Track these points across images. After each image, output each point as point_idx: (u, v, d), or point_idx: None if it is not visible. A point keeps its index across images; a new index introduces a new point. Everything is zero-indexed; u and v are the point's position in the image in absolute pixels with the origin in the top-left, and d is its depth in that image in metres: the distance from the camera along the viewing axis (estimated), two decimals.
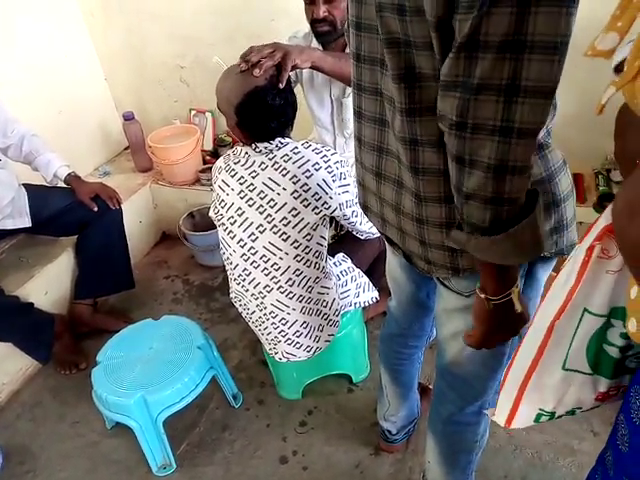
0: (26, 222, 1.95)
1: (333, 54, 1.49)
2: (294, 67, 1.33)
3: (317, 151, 1.34)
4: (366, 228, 1.52)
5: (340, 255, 1.64)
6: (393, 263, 1.19)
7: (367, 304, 1.67)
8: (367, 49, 0.82)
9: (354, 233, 1.58)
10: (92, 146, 2.70)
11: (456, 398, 1.13)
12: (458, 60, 0.62)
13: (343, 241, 1.74)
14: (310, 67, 1.42)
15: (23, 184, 1.97)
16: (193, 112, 2.67)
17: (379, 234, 1.60)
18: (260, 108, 1.26)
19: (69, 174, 1.99)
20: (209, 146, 2.66)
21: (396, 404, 1.48)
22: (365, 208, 1.05)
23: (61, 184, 2.02)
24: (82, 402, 1.84)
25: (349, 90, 1.75)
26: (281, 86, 1.28)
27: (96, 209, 1.96)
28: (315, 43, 1.73)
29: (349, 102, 1.78)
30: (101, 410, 1.61)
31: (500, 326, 0.83)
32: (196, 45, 2.48)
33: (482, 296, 0.79)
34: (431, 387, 1.70)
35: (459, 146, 0.66)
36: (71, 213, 1.97)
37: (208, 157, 2.62)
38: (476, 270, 0.80)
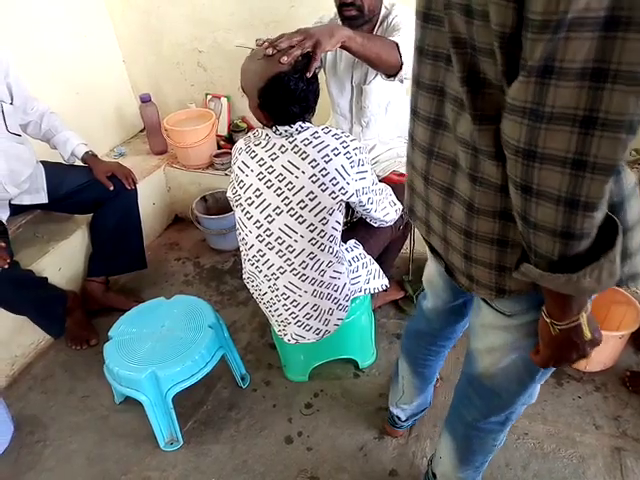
0: (43, 198, 1.97)
1: (363, 34, 1.47)
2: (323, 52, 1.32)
3: (337, 136, 1.36)
4: (380, 215, 1.54)
5: (352, 241, 1.65)
6: (432, 269, 1.15)
7: (377, 291, 1.69)
8: (432, 43, 0.77)
9: (367, 220, 1.60)
10: (108, 127, 2.72)
11: (482, 406, 1.09)
12: (528, 85, 0.57)
13: (355, 228, 1.75)
14: (340, 47, 1.40)
15: (41, 161, 2.00)
16: (209, 97, 2.68)
17: (392, 222, 1.62)
18: (283, 93, 1.28)
19: (86, 152, 2.01)
20: (224, 131, 2.68)
21: (411, 395, 1.48)
22: (411, 212, 1.00)
23: (78, 162, 2.04)
24: (92, 377, 1.88)
25: (371, 77, 1.76)
26: (309, 75, 1.29)
27: (112, 188, 1.98)
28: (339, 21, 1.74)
29: (369, 89, 1.79)
30: (112, 384, 1.64)
31: (567, 349, 0.78)
32: (214, 30, 2.49)
33: (547, 320, 0.75)
34: (439, 378, 1.70)
35: (525, 175, 0.61)
36: (87, 191, 1.99)
37: (222, 142, 2.63)
38: (524, 293, 0.76)
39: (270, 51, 1.25)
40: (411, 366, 1.42)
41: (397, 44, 1.49)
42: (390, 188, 1.59)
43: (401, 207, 1.62)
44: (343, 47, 1.41)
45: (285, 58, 1.24)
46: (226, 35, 2.49)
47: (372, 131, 1.91)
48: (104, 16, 2.59)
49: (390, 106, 1.85)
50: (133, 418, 1.73)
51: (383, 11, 1.71)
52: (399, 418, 1.56)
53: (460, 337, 1.35)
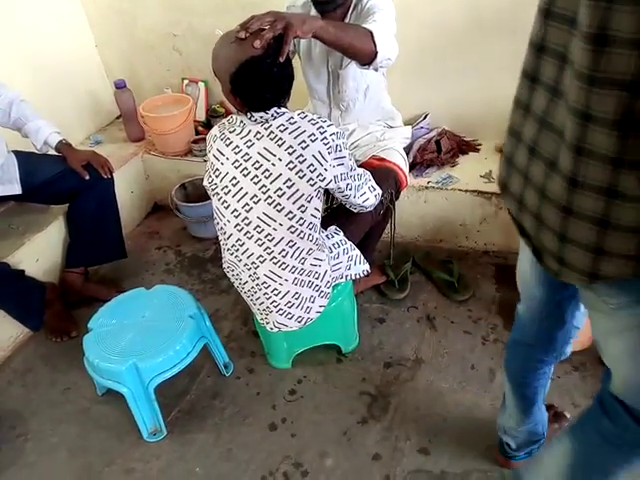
0: (16, 189, 1.93)
1: (336, 23, 1.44)
2: (295, 37, 1.29)
3: (313, 122, 1.34)
4: (359, 201, 1.53)
5: (332, 228, 1.65)
6: (524, 261, 1.07)
7: (358, 277, 1.69)
8: (561, 4, 0.74)
9: (347, 206, 1.59)
10: (83, 114, 2.67)
11: (631, 422, 0.91)
12: None
13: (336, 214, 1.74)
14: (312, 37, 1.37)
15: (13, 151, 1.95)
16: (186, 81, 2.64)
17: (372, 207, 1.61)
18: (255, 78, 1.25)
19: (60, 141, 1.96)
20: (202, 117, 2.64)
21: (517, 418, 1.34)
22: (503, 187, 0.95)
23: (52, 151, 1.99)
24: (73, 369, 1.85)
25: (346, 62, 1.73)
26: (281, 59, 1.25)
27: (88, 177, 1.94)
28: (314, 12, 1.71)
29: (346, 74, 1.77)
30: (92, 376, 1.62)
31: None
32: (189, 13, 2.44)
33: None
34: (567, 415, 1.54)
35: None
36: (62, 181, 1.95)
37: (200, 128, 2.60)
38: (626, 277, 0.71)
39: (242, 34, 1.22)
40: (511, 383, 1.31)
41: (371, 32, 1.46)
42: (369, 173, 1.58)
43: (381, 192, 1.61)
44: (315, 37, 1.37)
45: (258, 42, 1.21)
46: (201, 19, 2.44)
47: (351, 115, 1.89)
48: None
49: (369, 91, 1.84)
50: (115, 409, 1.72)
51: None
52: (509, 446, 1.42)
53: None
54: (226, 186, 1.41)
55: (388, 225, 1.97)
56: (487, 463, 1.51)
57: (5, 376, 1.89)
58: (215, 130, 1.45)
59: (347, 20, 1.69)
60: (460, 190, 2.14)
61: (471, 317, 1.98)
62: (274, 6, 2.16)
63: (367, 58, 1.49)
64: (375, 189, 1.58)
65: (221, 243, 1.55)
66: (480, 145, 2.36)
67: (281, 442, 1.61)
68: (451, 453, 1.54)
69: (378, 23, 1.51)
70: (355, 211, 1.61)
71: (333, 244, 1.59)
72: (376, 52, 1.46)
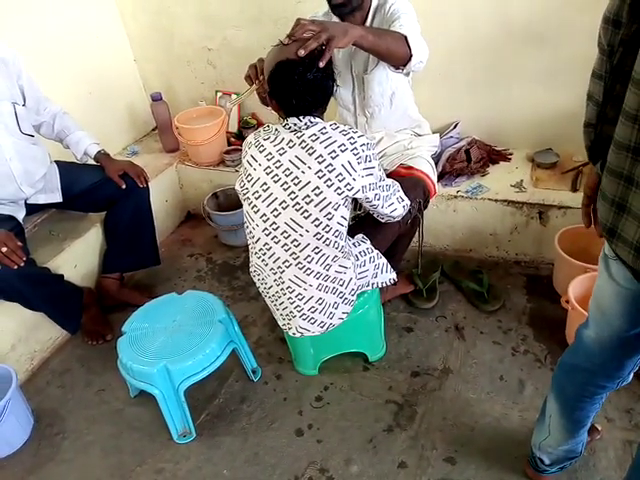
0: (57, 197, 2.02)
1: (373, 30, 1.50)
2: (337, 47, 1.35)
3: (344, 132, 1.37)
4: (387, 212, 1.54)
5: (360, 236, 1.66)
6: (608, 292, 1.02)
7: (384, 285, 1.70)
8: None
9: (375, 216, 1.60)
10: (121, 126, 2.77)
11: None
12: None
13: (363, 223, 1.76)
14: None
15: (55, 161, 2.05)
16: (219, 94, 2.70)
17: (400, 217, 1.61)
18: (287, 80, 1.31)
19: (99, 152, 2.05)
20: (234, 128, 2.70)
21: (559, 438, 1.30)
22: (611, 232, 0.89)
23: (91, 161, 2.08)
24: (108, 371, 1.92)
25: (371, 66, 1.77)
26: (321, 65, 1.31)
27: (124, 186, 2.02)
28: (335, 19, 1.75)
29: (371, 79, 1.80)
30: (125, 378, 1.67)
31: None
32: (223, 27, 2.52)
33: None
34: (599, 428, 1.53)
35: None
36: (100, 190, 2.03)
37: (233, 139, 2.66)
38: None
39: (286, 40, 1.30)
40: (561, 405, 1.26)
41: (406, 37, 1.51)
42: (398, 184, 1.59)
43: (409, 203, 1.62)
44: (355, 44, 1.43)
45: (302, 51, 1.27)
46: (235, 32, 2.51)
47: (378, 122, 1.91)
48: (115, 17, 2.64)
49: (395, 98, 1.85)
50: (147, 411, 1.77)
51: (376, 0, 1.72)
52: (542, 461, 1.38)
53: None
54: (257, 191, 1.44)
55: (416, 234, 1.97)
56: (515, 475, 1.48)
57: (44, 376, 1.97)
58: (251, 137, 1.50)
59: (368, 23, 1.73)
60: (490, 200, 2.13)
61: (501, 328, 1.95)
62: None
63: (402, 61, 1.54)
64: (404, 200, 1.59)
65: (249, 247, 1.59)
66: (511, 155, 2.34)
67: (307, 447, 1.62)
68: (478, 463, 1.52)
69: (406, 27, 1.56)
70: (383, 221, 1.62)
71: (360, 252, 1.61)
72: (411, 55, 1.52)
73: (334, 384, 1.81)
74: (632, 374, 1.16)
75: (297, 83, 1.30)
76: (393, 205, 1.55)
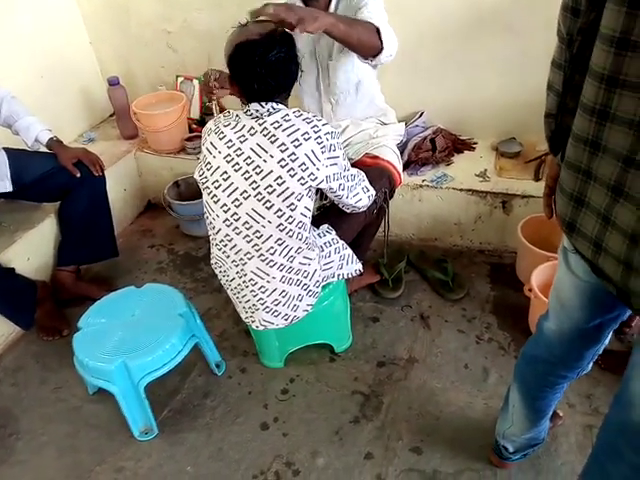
0: (7, 186, 1.91)
1: (345, 19, 1.45)
2: (306, 32, 1.30)
3: (308, 120, 1.33)
4: (352, 202, 1.52)
5: (325, 226, 1.64)
6: (567, 285, 1.02)
7: (350, 276, 1.68)
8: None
9: (340, 206, 1.58)
10: (76, 112, 2.65)
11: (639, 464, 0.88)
12: None
13: (328, 213, 1.73)
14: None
15: (3, 148, 1.93)
16: (180, 79, 2.62)
17: (365, 208, 1.59)
18: (248, 62, 1.26)
19: (51, 138, 1.95)
20: (196, 114, 2.63)
21: (522, 427, 1.32)
22: (570, 227, 0.88)
23: (43, 149, 1.98)
24: (64, 368, 1.84)
25: (336, 53, 1.74)
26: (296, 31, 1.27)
27: (79, 175, 1.93)
28: (299, 2, 1.71)
29: (337, 66, 1.78)
30: (82, 375, 1.61)
31: None
32: (184, 9, 2.43)
33: None
34: (561, 414, 1.56)
35: None
36: (53, 178, 1.94)
37: (194, 125, 2.58)
38: None
39: (244, 20, 1.26)
40: (523, 396, 1.27)
41: (378, 29, 1.48)
42: (363, 173, 1.57)
43: (374, 193, 1.60)
44: (326, 32, 1.39)
45: (270, 10, 1.24)
46: (196, 16, 2.42)
47: (343, 110, 1.88)
48: None
49: (361, 85, 1.83)
50: (106, 408, 1.70)
51: None
52: (506, 449, 1.40)
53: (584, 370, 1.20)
54: (217, 180, 1.39)
55: (382, 224, 1.96)
56: (480, 462, 1.50)
57: None
58: (211, 124, 1.44)
59: (332, 8, 1.69)
60: (455, 189, 2.13)
61: (465, 316, 1.97)
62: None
63: (372, 53, 1.52)
64: (369, 190, 1.57)
65: (210, 238, 1.54)
66: (476, 144, 2.34)
67: (273, 441, 1.60)
68: (443, 452, 1.53)
69: (375, 17, 1.52)
70: (348, 211, 1.59)
71: (325, 243, 1.58)
72: (382, 48, 1.49)
73: (300, 376, 1.79)
74: (591, 363, 1.18)
75: (258, 65, 1.25)
76: (358, 195, 1.53)
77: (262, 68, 1.26)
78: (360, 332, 1.93)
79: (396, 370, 1.78)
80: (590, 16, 0.77)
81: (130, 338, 1.56)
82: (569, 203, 0.88)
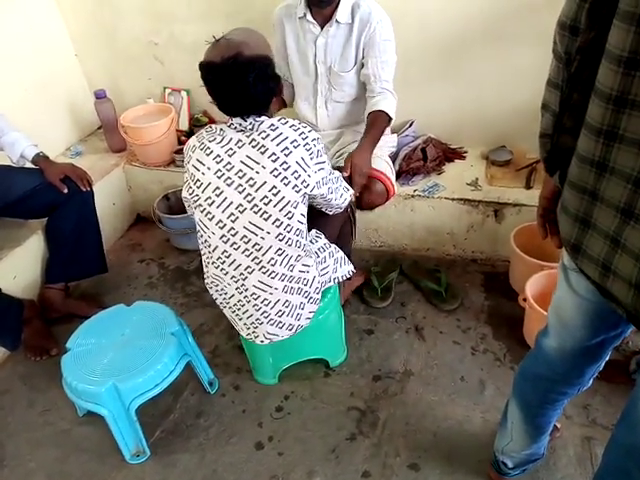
0: None
1: (373, 140, 1.77)
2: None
3: (295, 128, 1.33)
4: (340, 202, 1.54)
5: (314, 232, 1.63)
6: (569, 304, 1.00)
7: (345, 278, 1.67)
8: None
9: (324, 209, 1.57)
10: (63, 125, 2.62)
11: None
12: None
13: (310, 217, 1.72)
14: None
15: None
16: (168, 91, 2.59)
17: (346, 205, 1.60)
18: (222, 83, 1.26)
19: (37, 154, 1.91)
20: (185, 126, 2.60)
21: (522, 443, 1.31)
22: (575, 248, 0.86)
23: (29, 165, 1.94)
24: (53, 389, 1.79)
25: (345, 68, 1.85)
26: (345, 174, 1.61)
27: (66, 191, 1.89)
28: (302, 6, 1.75)
29: (342, 79, 1.85)
30: (71, 398, 1.57)
31: None
32: (170, 21, 2.41)
33: None
34: (559, 426, 1.54)
35: None
36: (40, 195, 1.90)
37: (184, 137, 2.55)
38: None
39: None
40: (523, 413, 1.25)
41: (389, 117, 1.80)
42: (339, 172, 1.59)
43: (353, 191, 1.63)
44: None
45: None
46: (183, 28, 2.40)
47: (339, 119, 1.96)
48: (52, 6, 2.46)
49: (360, 96, 1.90)
50: (97, 431, 1.66)
51: None
52: (505, 464, 1.38)
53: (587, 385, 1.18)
54: (209, 197, 1.37)
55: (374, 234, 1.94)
56: (479, 478, 1.47)
57: None
58: (193, 140, 1.41)
59: (344, 19, 1.77)
60: (447, 198, 2.12)
61: (460, 327, 1.95)
62: (257, 12, 2.16)
63: None
64: (348, 189, 1.60)
65: (204, 257, 1.51)
66: (466, 153, 2.34)
67: (268, 461, 1.56)
68: (442, 468, 1.50)
69: (387, 70, 1.80)
70: (331, 213, 1.59)
71: (319, 248, 1.58)
72: (391, 119, 1.84)
73: (295, 392, 1.76)
74: (592, 379, 1.16)
75: (235, 85, 1.24)
76: (343, 195, 1.55)
77: (240, 88, 1.25)
78: (355, 345, 1.91)
79: (392, 384, 1.76)
80: (590, 35, 0.75)
81: (120, 359, 1.52)
82: (574, 224, 0.85)
